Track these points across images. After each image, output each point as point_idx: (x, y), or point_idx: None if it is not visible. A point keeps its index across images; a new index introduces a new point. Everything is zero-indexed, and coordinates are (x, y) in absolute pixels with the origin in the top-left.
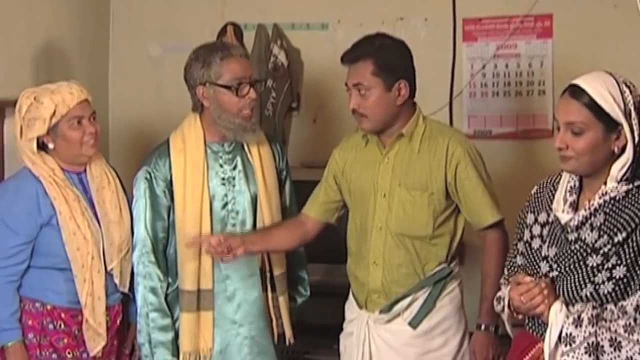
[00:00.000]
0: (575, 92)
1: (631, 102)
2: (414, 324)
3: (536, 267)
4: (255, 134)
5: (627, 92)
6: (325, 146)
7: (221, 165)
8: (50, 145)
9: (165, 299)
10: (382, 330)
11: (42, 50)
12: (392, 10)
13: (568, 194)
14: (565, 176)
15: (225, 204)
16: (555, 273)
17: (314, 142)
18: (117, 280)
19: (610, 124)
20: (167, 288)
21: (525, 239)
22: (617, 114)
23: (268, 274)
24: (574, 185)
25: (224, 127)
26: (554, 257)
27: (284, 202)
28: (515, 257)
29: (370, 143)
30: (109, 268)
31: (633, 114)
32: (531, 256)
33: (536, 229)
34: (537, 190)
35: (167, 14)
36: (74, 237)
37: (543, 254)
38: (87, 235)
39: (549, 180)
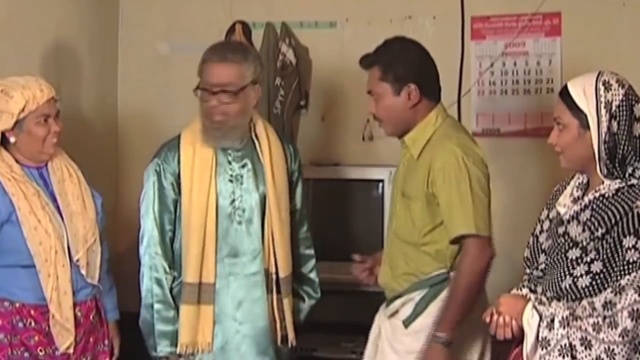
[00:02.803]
0: (562, 90)
1: (605, 100)
2: (406, 323)
3: (536, 259)
4: (229, 140)
5: (603, 89)
6: (334, 144)
7: (230, 163)
8: (12, 139)
9: (170, 292)
10: (387, 323)
11: (52, 50)
12: (400, 8)
13: (575, 190)
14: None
15: (233, 201)
16: (542, 266)
17: (323, 140)
18: (83, 272)
19: (584, 121)
20: (173, 282)
21: (535, 232)
22: (588, 111)
23: (274, 276)
24: (582, 182)
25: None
26: (548, 249)
27: (295, 205)
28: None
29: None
30: (75, 259)
31: (603, 112)
32: (535, 249)
33: (546, 224)
34: (557, 188)
35: (175, 13)
36: (35, 232)
37: (543, 247)
38: (48, 229)
39: (567, 178)
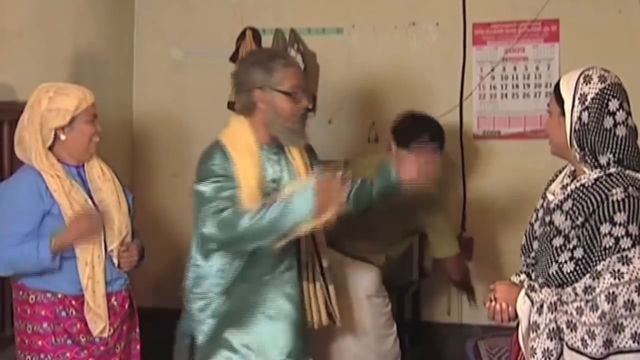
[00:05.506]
0: (558, 81)
1: (581, 92)
2: None
3: (531, 246)
4: (304, 139)
5: (582, 82)
6: (341, 145)
7: (271, 166)
8: (62, 137)
9: None
10: None
11: (70, 56)
12: (405, 15)
13: (566, 178)
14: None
15: None
16: (533, 254)
17: (330, 141)
18: (115, 261)
19: (563, 109)
20: None
21: (531, 220)
22: (566, 100)
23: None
24: (572, 170)
25: (277, 131)
26: (539, 236)
27: None
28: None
29: None
30: (109, 249)
31: (576, 102)
32: (529, 236)
33: (540, 212)
34: (552, 177)
35: (188, 20)
36: None
37: (536, 235)
38: None
39: (561, 167)
